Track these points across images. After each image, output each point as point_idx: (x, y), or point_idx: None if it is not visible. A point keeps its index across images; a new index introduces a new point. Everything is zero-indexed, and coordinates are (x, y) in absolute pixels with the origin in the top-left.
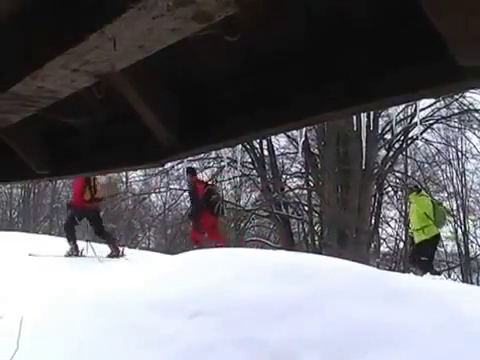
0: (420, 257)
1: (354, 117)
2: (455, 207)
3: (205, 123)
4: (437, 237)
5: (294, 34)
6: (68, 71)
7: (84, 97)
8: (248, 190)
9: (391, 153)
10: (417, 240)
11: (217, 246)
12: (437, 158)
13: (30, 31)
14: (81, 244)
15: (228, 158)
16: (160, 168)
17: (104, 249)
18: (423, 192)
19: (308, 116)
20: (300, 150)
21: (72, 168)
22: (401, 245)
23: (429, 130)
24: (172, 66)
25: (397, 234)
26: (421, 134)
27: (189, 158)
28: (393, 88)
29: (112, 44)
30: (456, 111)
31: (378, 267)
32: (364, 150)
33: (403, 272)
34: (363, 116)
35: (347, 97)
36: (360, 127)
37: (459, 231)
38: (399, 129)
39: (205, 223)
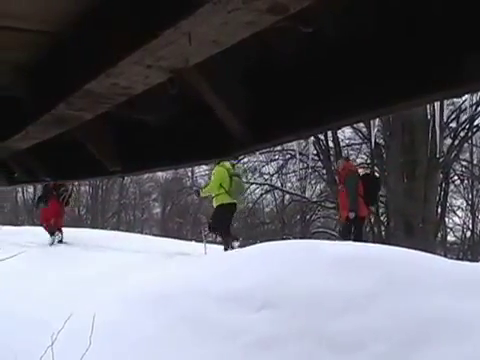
0: (214, 225)
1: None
2: None
3: (277, 116)
4: (229, 205)
5: (364, 23)
6: (142, 67)
7: (155, 92)
8: (313, 182)
9: (456, 141)
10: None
11: (58, 229)
12: None
13: (103, 29)
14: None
15: (293, 150)
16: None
17: None
18: (223, 163)
19: (380, 106)
20: (373, 140)
21: (144, 164)
22: (468, 234)
23: None
24: (243, 58)
25: (464, 223)
26: None
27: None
28: (465, 77)
29: (187, 39)
30: None
31: (445, 257)
32: (430, 139)
33: (471, 261)
34: (429, 105)
35: (418, 87)
36: (432, 116)
37: None
38: (464, 117)
39: (51, 208)
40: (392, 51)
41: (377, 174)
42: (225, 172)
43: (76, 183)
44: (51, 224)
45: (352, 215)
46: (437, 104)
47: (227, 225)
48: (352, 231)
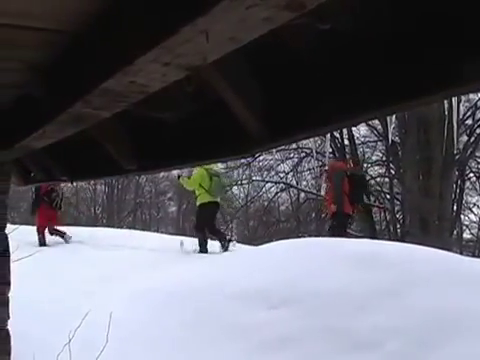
0: (198, 226)
1: (435, 104)
2: None
3: (293, 113)
4: (209, 204)
5: (379, 18)
6: (159, 65)
7: (172, 90)
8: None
9: (472, 139)
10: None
11: (55, 231)
12: None
13: (120, 28)
14: None
15: (308, 148)
16: (242, 160)
17: None
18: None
19: (396, 103)
20: (390, 137)
21: (160, 162)
22: None
23: None
24: (259, 56)
25: None
26: None
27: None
28: (465, 77)
29: (204, 37)
30: None
31: (461, 254)
32: (445, 136)
33: None
34: (446, 102)
35: (435, 82)
36: (448, 113)
37: None
38: None
39: (45, 214)
40: (405, 49)
41: (393, 171)
42: (205, 172)
43: (92, 182)
44: (44, 231)
45: (334, 208)
46: (454, 100)
47: (211, 223)
48: (334, 226)
